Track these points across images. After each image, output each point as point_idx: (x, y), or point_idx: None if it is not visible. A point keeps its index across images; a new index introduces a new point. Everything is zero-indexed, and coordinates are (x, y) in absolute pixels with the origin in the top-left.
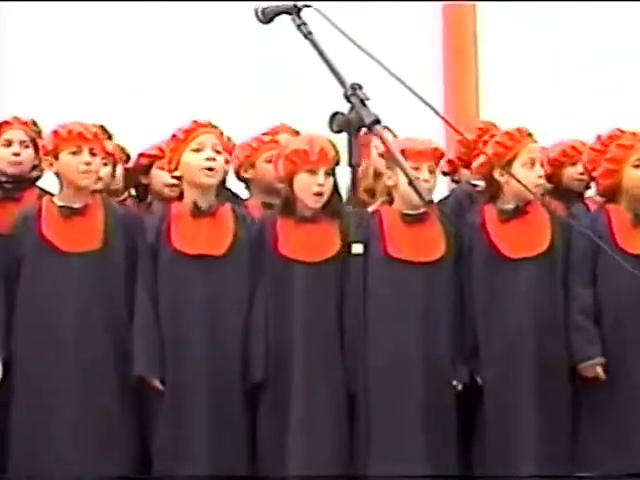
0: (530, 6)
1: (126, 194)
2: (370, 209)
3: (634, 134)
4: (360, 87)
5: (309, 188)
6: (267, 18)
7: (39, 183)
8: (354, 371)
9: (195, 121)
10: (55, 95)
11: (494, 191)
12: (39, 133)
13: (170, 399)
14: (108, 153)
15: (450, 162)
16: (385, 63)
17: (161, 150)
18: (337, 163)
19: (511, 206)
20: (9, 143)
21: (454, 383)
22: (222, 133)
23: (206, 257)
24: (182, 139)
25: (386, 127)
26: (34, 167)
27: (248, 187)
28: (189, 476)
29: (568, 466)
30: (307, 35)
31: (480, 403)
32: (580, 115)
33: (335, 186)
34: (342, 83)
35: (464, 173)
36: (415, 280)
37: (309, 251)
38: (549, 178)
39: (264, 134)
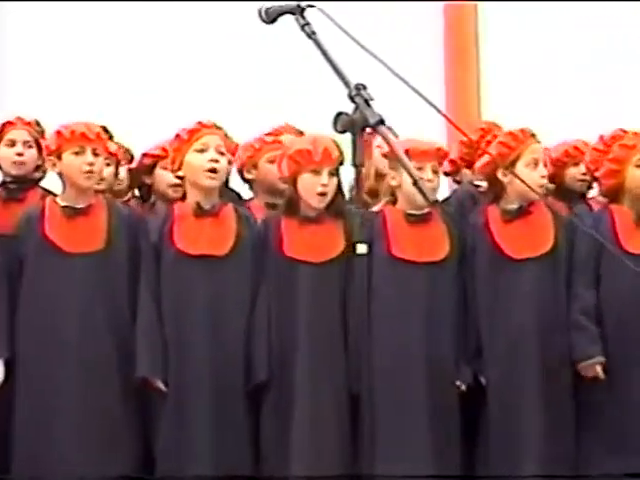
0: (531, 6)
1: (130, 194)
2: (374, 209)
3: (637, 134)
4: (364, 87)
5: (313, 188)
6: (270, 18)
7: (42, 183)
8: (358, 371)
9: (199, 122)
10: (55, 95)
11: (497, 191)
12: (42, 133)
13: (173, 400)
14: (111, 153)
15: (452, 162)
16: (386, 63)
17: (164, 150)
18: (341, 163)
19: (514, 206)
20: (12, 143)
21: (457, 383)
22: (226, 134)
23: (209, 257)
24: (186, 139)
25: (389, 128)
26: (37, 167)
27: (252, 187)
28: (192, 476)
29: (571, 466)
30: (311, 35)
31: (483, 403)
32: (581, 115)
33: (339, 186)
34: (346, 83)
35: (466, 174)
36: (418, 280)
37: (313, 251)
38: (551, 178)
39: (267, 134)
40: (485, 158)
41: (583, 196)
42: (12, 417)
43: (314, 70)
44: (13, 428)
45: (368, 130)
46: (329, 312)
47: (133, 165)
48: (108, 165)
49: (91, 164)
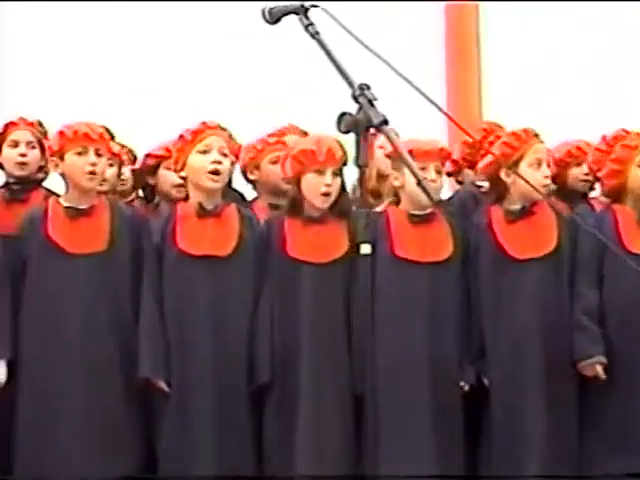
0: (532, 6)
1: (133, 195)
2: (377, 210)
3: (639, 134)
4: (368, 87)
5: (316, 188)
6: (274, 18)
7: (45, 184)
8: (361, 371)
9: (204, 122)
10: (56, 95)
11: (500, 192)
12: (45, 134)
13: (176, 400)
14: (114, 154)
15: (454, 163)
16: (389, 63)
17: (168, 150)
18: (345, 163)
19: (517, 207)
20: (16, 144)
21: (461, 384)
22: (230, 135)
23: (211, 258)
24: (189, 140)
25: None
26: (40, 168)
27: (255, 188)
28: (195, 476)
29: (574, 466)
30: (315, 35)
31: (487, 404)
32: (582, 115)
33: (343, 186)
34: (350, 83)
35: (467, 174)
36: (422, 280)
37: (317, 252)
38: (554, 179)
39: (270, 135)
40: (488, 158)
41: (585, 196)
42: (15, 417)
43: (317, 70)
44: (16, 428)
45: (371, 130)
46: (332, 312)
47: (136, 166)
48: (111, 166)
49: (93, 164)
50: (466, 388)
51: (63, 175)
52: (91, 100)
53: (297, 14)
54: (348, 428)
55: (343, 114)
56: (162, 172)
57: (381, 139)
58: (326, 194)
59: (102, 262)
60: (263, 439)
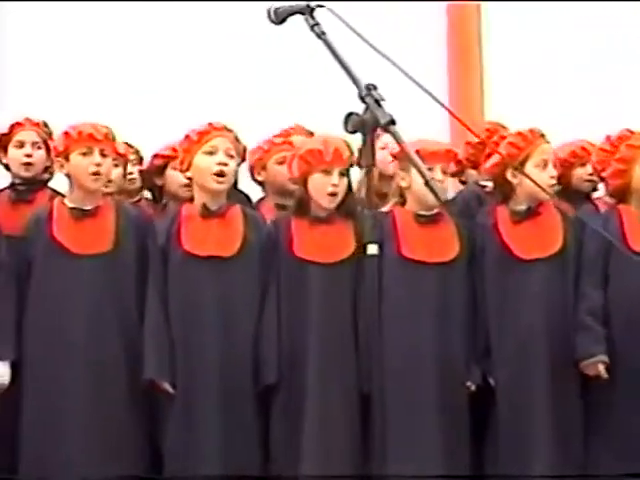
0: (534, 6)
1: (140, 195)
2: (382, 210)
3: None
4: (375, 87)
5: (323, 188)
6: (280, 18)
7: (51, 184)
8: (368, 372)
9: (210, 123)
10: (57, 96)
11: (506, 192)
12: (50, 134)
13: (181, 401)
14: (119, 154)
15: (458, 163)
16: (395, 62)
17: (175, 150)
18: (351, 164)
19: (523, 207)
20: (21, 145)
21: (468, 384)
22: (237, 137)
23: (216, 258)
24: (195, 140)
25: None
26: (46, 169)
27: (264, 188)
28: (201, 476)
29: (580, 466)
30: (320, 35)
31: (493, 404)
32: (584, 115)
33: (349, 187)
34: (357, 83)
35: (471, 174)
36: (428, 280)
37: (324, 252)
38: (558, 179)
39: (276, 136)
40: (494, 158)
41: (588, 197)
42: (19, 418)
43: (322, 70)
44: (20, 429)
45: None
46: (339, 313)
47: (144, 166)
48: (116, 166)
49: (98, 165)
50: (472, 388)
51: (68, 176)
52: (93, 100)
53: (303, 14)
54: (355, 428)
55: (350, 114)
56: (169, 172)
57: (383, 140)
58: (333, 194)
59: (107, 263)
60: (270, 440)
